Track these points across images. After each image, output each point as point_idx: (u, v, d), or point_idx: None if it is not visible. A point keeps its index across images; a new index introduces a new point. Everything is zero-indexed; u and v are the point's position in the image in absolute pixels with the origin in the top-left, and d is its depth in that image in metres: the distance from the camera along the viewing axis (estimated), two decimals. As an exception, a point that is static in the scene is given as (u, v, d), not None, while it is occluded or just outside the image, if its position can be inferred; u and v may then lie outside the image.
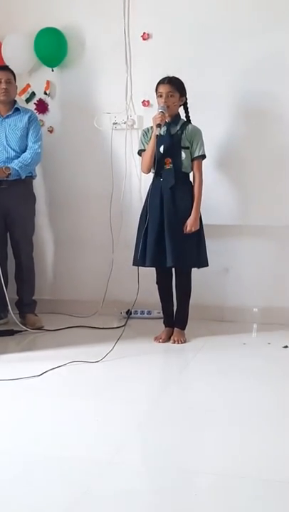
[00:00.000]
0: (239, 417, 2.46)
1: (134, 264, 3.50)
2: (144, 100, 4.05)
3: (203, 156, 3.47)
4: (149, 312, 4.06)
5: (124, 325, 3.65)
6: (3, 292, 3.62)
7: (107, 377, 2.98)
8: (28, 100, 4.29)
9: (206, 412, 2.52)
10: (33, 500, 1.81)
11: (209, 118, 3.72)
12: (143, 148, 3.51)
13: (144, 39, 4.02)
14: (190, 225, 3.41)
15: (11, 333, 3.72)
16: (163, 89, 3.40)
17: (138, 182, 4.09)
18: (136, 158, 3.96)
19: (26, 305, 4.01)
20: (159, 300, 3.64)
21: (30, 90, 4.29)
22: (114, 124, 4.12)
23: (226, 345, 3.51)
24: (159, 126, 3.34)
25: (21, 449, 2.17)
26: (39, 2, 4.19)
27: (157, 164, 3.42)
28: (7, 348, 3.49)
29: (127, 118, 4.09)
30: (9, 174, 3.75)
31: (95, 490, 1.86)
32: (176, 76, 3.44)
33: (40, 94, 4.29)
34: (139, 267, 3.46)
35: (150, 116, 3.51)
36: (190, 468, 2.02)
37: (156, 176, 3.47)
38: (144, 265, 3.45)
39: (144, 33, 4.01)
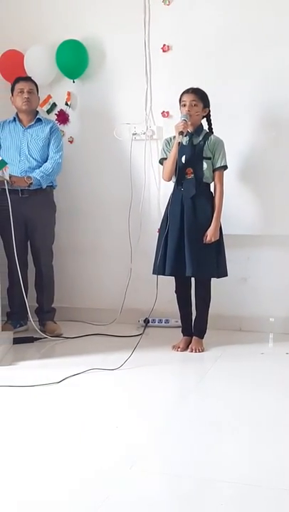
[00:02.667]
0: (258, 427, 2.46)
1: (154, 273, 3.52)
2: (163, 111, 4.09)
3: (225, 167, 3.50)
4: (166, 321, 4.08)
5: (142, 333, 3.68)
6: (23, 300, 3.66)
7: (126, 385, 2.99)
8: (49, 111, 4.35)
9: (225, 421, 2.53)
10: (52, 508, 1.83)
11: (230, 129, 3.75)
12: (165, 156, 3.54)
13: (164, 51, 4.07)
14: (210, 235, 3.43)
15: (30, 340, 3.76)
16: (187, 98, 3.45)
17: (157, 192, 4.13)
18: (155, 168, 4.00)
19: (46, 312, 4.05)
20: (178, 309, 3.65)
21: (51, 101, 4.35)
22: (134, 134, 4.16)
23: (244, 354, 3.51)
24: (181, 133, 3.37)
25: (40, 455, 2.19)
26: (61, 15, 4.26)
27: (178, 174, 3.44)
28: (27, 354, 3.53)
29: (147, 129, 4.14)
30: (31, 184, 3.81)
31: (115, 498, 1.87)
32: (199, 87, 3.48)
33: (61, 105, 4.35)
34: (158, 276, 3.49)
35: (170, 127, 3.56)
36: (209, 476, 2.02)
37: (178, 185, 3.49)
38: (163, 274, 3.48)
39: (164, 45, 4.05)
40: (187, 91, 3.47)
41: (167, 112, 4.06)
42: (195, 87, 3.48)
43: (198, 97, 3.45)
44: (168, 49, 4.06)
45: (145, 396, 2.85)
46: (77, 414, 2.61)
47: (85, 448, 2.25)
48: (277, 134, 3.87)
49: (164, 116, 4.10)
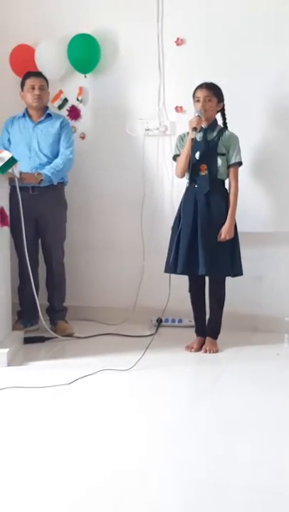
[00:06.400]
0: (272, 430, 2.39)
1: (165, 271, 3.47)
2: (176, 106, 4.02)
3: (240, 163, 3.43)
4: (180, 320, 4.01)
5: (155, 333, 3.61)
6: (34, 299, 3.61)
7: (137, 386, 2.93)
8: (60, 107, 4.29)
9: (239, 424, 2.46)
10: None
11: (245, 124, 3.70)
12: (178, 153, 3.48)
13: (177, 44, 4.00)
14: (224, 233, 3.36)
15: (41, 339, 3.71)
16: (200, 93, 3.38)
17: (170, 188, 4.06)
18: (168, 164, 3.93)
19: (57, 312, 4.00)
20: (191, 308, 3.58)
21: (62, 96, 4.29)
22: (147, 130, 4.11)
23: (259, 355, 3.44)
24: (194, 129, 3.31)
25: (50, 459, 2.14)
26: (72, 8, 4.21)
27: (192, 170, 3.38)
28: (37, 355, 3.48)
29: (160, 124, 4.08)
30: (41, 180, 3.75)
31: (126, 503, 1.82)
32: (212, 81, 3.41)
33: (72, 101, 4.29)
34: (171, 275, 3.42)
35: (183, 122, 3.50)
36: (222, 482, 1.96)
37: (191, 182, 3.43)
38: (175, 272, 3.41)
39: (177, 38, 3.99)
40: (200, 86, 3.39)
41: (181, 107, 3.99)
42: (208, 81, 3.41)
43: (213, 92, 3.38)
44: (181, 42, 3.99)
45: (157, 398, 2.78)
46: (88, 416, 2.55)
47: (96, 451, 2.20)
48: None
49: (177, 111, 4.03)
